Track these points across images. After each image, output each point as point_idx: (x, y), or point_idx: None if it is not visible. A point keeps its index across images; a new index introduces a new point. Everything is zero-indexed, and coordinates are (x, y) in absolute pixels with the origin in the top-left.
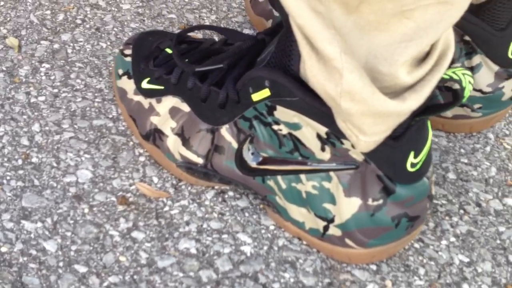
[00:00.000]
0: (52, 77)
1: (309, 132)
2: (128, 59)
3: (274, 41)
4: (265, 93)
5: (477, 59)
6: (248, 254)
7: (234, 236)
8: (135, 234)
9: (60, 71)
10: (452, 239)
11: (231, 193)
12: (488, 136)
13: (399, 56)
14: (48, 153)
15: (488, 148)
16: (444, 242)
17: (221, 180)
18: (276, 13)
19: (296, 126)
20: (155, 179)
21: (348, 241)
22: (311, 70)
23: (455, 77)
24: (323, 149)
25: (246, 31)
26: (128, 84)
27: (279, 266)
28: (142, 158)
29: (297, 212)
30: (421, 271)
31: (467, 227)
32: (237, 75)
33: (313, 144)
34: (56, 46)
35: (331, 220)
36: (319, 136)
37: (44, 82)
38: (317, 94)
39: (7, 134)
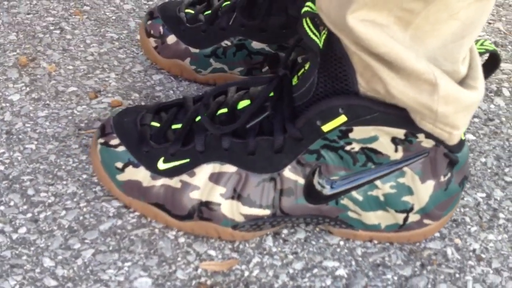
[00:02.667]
0: (11, 203)
1: (385, 139)
2: (121, 148)
3: (311, 73)
4: (341, 120)
5: None
6: (346, 276)
7: (322, 266)
8: None
9: (13, 193)
10: None
11: (285, 231)
12: None
13: (458, 54)
14: (87, 281)
15: None
16: None
17: (272, 224)
18: (194, 50)
19: (373, 139)
20: (212, 252)
21: (426, 220)
22: (397, 88)
23: (489, 48)
24: (396, 150)
25: (155, 76)
26: (138, 174)
27: (377, 272)
28: (182, 240)
29: (373, 217)
30: (467, 219)
31: None
32: (289, 115)
33: (388, 149)
34: None
35: (410, 210)
36: (393, 140)
37: (7, 212)
38: (389, 103)
39: (23, 285)
